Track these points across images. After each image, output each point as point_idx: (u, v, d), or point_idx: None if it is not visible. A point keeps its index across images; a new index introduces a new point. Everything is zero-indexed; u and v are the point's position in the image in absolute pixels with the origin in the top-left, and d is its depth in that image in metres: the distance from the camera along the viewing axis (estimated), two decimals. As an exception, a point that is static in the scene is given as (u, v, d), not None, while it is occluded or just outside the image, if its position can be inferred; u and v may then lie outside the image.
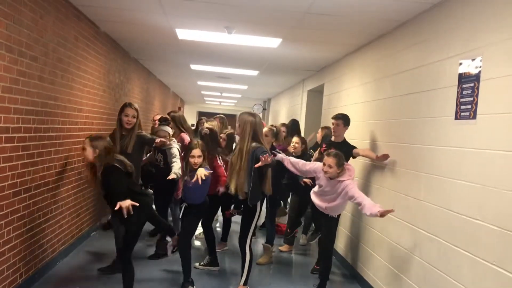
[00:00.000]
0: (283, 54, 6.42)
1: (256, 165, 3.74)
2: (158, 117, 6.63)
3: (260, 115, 13.78)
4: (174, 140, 5.09)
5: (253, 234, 4.19)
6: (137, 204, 3.52)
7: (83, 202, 5.35)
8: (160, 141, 4.54)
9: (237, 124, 4.23)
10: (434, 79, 3.51)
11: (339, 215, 4.56)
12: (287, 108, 11.39)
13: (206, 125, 5.85)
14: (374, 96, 4.84)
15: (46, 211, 4.23)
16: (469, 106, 2.96)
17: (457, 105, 3.11)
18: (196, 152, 4.12)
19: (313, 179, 4.47)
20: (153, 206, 4.27)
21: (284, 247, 5.90)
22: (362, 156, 4.67)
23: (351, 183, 4.01)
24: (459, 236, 3.00)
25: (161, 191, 5.22)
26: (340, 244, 5.59)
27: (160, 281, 4.47)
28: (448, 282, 3.07)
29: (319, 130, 6.18)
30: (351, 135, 5.03)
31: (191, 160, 4.12)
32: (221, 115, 7.10)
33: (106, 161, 3.64)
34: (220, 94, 15.23)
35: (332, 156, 4.04)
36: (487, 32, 2.87)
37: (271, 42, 5.67)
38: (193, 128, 6.64)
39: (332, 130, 4.93)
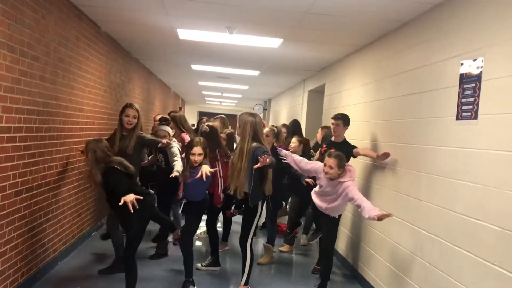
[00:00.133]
0: (284, 54, 6.41)
1: (255, 166, 3.74)
2: (158, 117, 6.62)
3: (261, 115, 13.78)
4: (174, 139, 5.09)
5: (254, 234, 4.19)
6: (141, 198, 3.59)
7: (84, 202, 5.36)
8: (166, 142, 4.57)
9: (237, 124, 4.22)
10: (436, 79, 3.51)
11: (340, 215, 4.55)
12: (288, 108, 11.38)
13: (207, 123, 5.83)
14: (375, 97, 4.84)
15: (47, 210, 4.23)
16: (471, 107, 2.96)
17: (458, 106, 3.11)
18: (197, 150, 4.11)
19: (315, 178, 4.47)
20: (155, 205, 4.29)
21: (285, 248, 5.90)
22: (363, 155, 4.66)
23: (352, 184, 4.00)
24: (460, 237, 3.00)
25: (164, 191, 5.23)
26: (341, 244, 5.58)
27: (160, 280, 4.47)
28: (449, 282, 3.06)
29: (319, 130, 6.18)
30: (352, 136, 5.02)
31: (191, 157, 4.11)
32: (222, 115, 7.09)
33: (105, 164, 3.74)
34: (221, 94, 15.22)
35: (333, 157, 4.03)
36: (489, 33, 2.88)
37: (272, 42, 5.67)
38: (193, 128, 6.63)
39: (332, 130, 4.92)
